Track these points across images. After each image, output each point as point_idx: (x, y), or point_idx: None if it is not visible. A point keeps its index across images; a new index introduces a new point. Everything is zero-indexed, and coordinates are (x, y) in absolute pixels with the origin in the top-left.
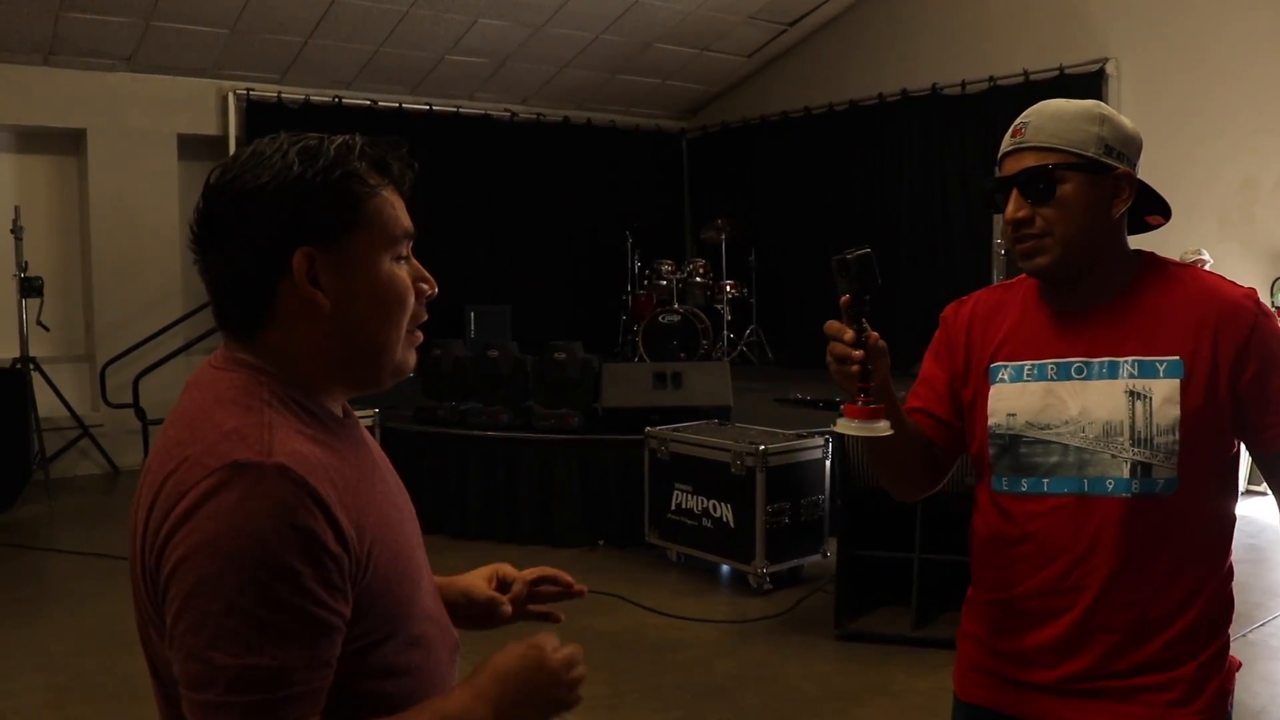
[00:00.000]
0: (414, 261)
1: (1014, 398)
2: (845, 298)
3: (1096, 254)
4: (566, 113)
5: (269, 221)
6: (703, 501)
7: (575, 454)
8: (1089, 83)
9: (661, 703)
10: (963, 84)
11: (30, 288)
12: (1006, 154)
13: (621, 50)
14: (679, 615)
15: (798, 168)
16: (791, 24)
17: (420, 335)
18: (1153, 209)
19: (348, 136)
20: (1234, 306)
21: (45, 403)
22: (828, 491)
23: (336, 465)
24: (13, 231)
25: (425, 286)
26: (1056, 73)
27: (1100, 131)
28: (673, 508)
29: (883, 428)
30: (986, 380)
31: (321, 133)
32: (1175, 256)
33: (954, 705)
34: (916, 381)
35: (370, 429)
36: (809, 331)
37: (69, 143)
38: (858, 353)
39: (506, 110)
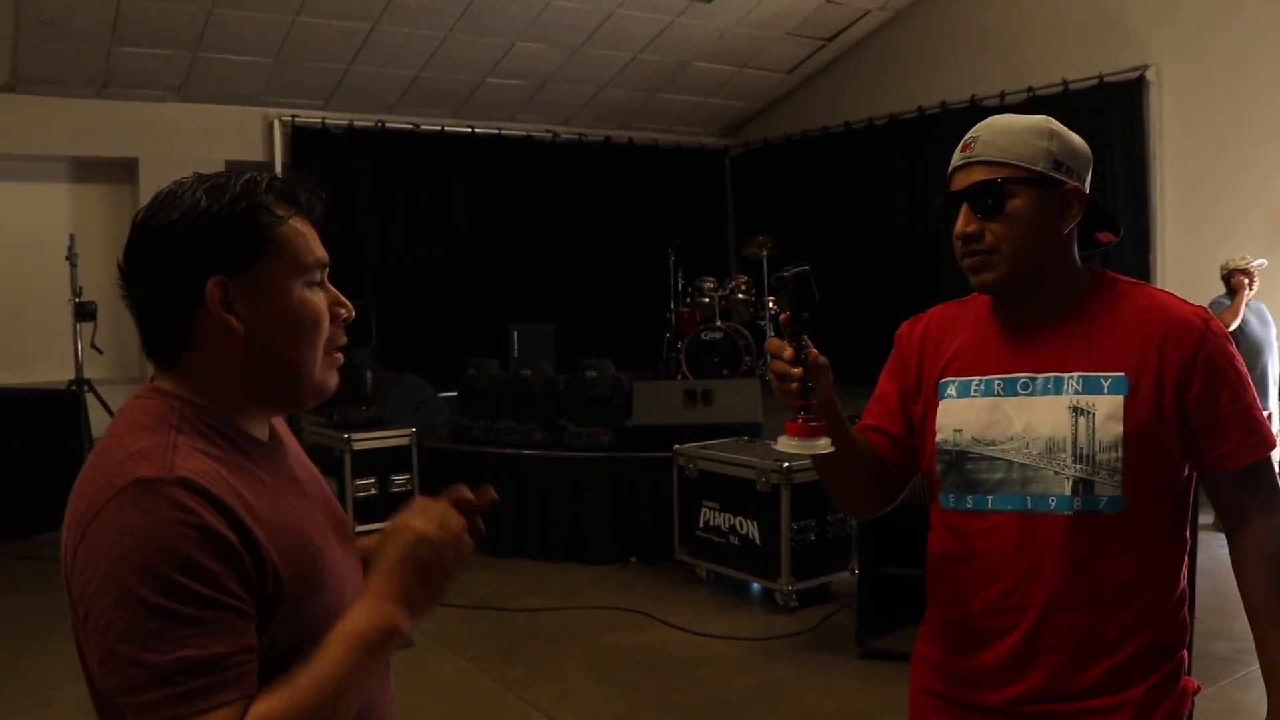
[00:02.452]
0: (330, 287)
1: (961, 413)
2: (784, 315)
3: (1045, 269)
4: (608, 132)
5: (182, 254)
6: (730, 518)
7: (606, 471)
8: (1129, 91)
9: (676, 718)
10: (1001, 95)
11: (84, 312)
12: (956, 169)
13: (660, 69)
14: (703, 632)
15: (839, 182)
16: (830, 39)
17: (340, 357)
18: (1103, 225)
19: (256, 172)
20: (1181, 323)
21: (99, 424)
22: None
23: (242, 481)
24: (68, 258)
25: (342, 310)
26: (1096, 81)
27: (1049, 146)
28: (701, 525)
29: (823, 445)
30: (936, 396)
31: (362, 159)
32: (1221, 267)
33: None
34: (871, 399)
35: (407, 447)
36: (852, 347)
37: (122, 171)
38: (797, 370)
39: (548, 131)
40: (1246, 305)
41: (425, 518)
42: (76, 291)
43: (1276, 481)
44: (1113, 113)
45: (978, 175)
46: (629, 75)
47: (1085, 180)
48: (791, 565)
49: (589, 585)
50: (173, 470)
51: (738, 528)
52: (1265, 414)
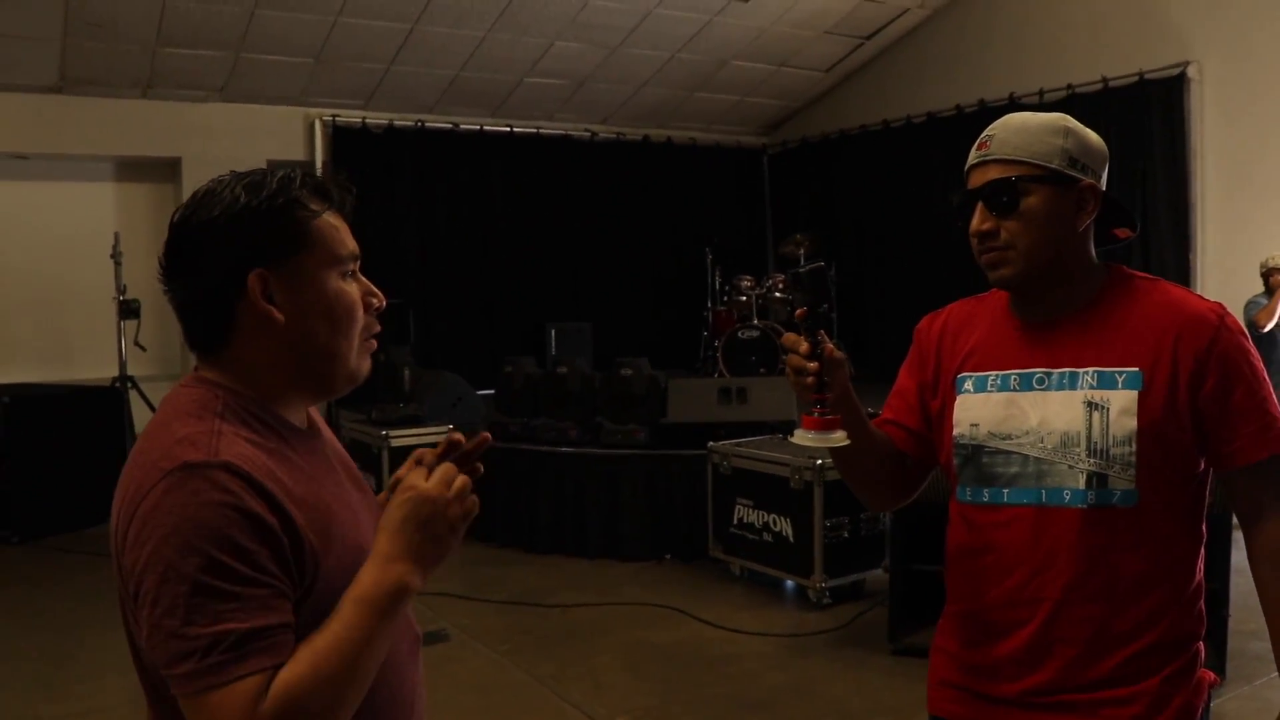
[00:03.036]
0: (362, 278)
1: (978, 408)
2: (800, 310)
3: (1061, 266)
4: (646, 131)
5: (224, 249)
6: (763, 516)
7: (641, 468)
8: (1170, 88)
9: (708, 713)
10: (1040, 92)
11: (128, 310)
12: (972, 167)
13: (698, 68)
14: (735, 629)
15: (877, 181)
16: (868, 37)
17: (374, 344)
18: (1119, 221)
19: (291, 169)
20: (1196, 319)
21: (142, 420)
22: None
23: (282, 468)
24: (112, 257)
25: (374, 300)
26: (1136, 78)
27: (1064, 144)
28: (735, 522)
29: (838, 438)
30: (954, 391)
31: (402, 158)
32: (1261, 264)
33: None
34: (890, 393)
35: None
36: (891, 345)
37: (165, 171)
38: (812, 364)
39: (586, 130)
40: None
41: (431, 480)
42: (121, 290)
43: None
44: (1153, 110)
45: (993, 173)
46: (667, 74)
47: (1101, 177)
48: (824, 562)
49: (623, 582)
50: (217, 455)
51: (771, 525)
52: None
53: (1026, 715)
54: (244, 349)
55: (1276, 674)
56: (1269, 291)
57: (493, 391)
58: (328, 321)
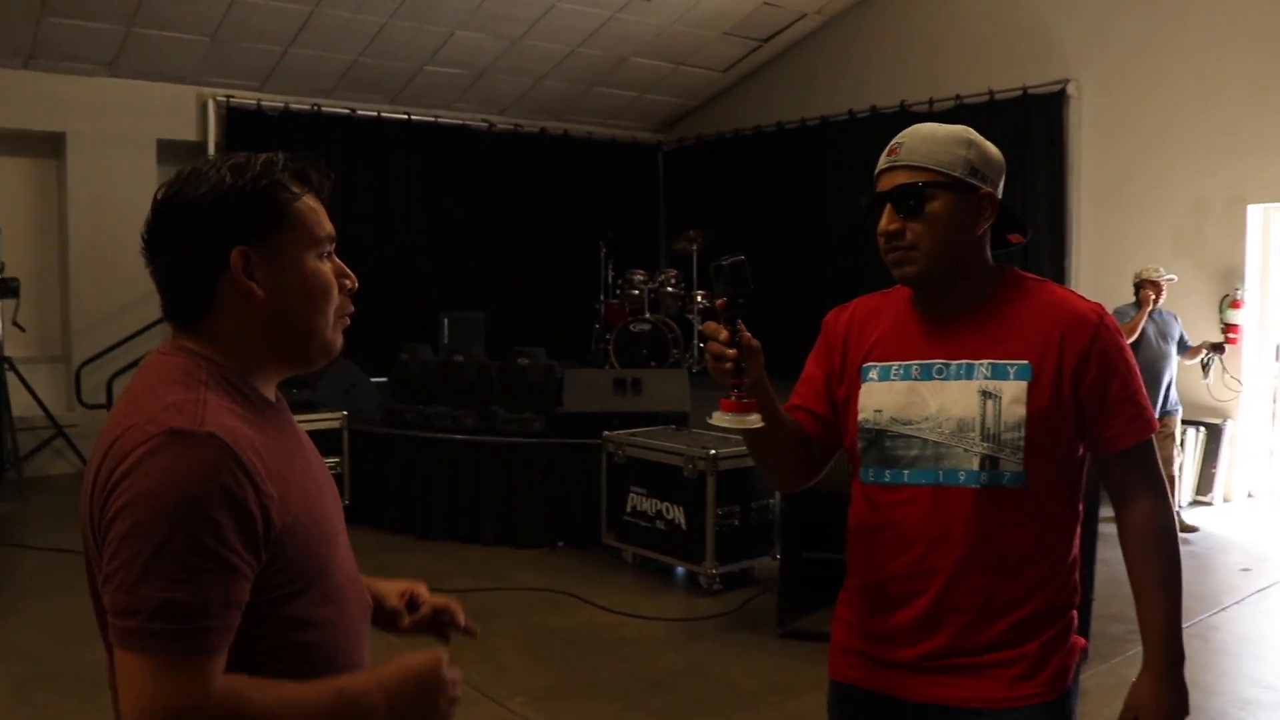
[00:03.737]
0: (336, 259)
1: (881, 395)
2: (721, 301)
3: (960, 266)
4: (544, 124)
5: (209, 226)
6: (656, 504)
7: (536, 457)
8: (1051, 103)
9: (605, 694)
10: (930, 101)
11: (6, 289)
12: (882, 171)
13: (598, 64)
14: (630, 613)
15: (770, 181)
16: (765, 40)
17: (348, 320)
18: (1013, 228)
19: (273, 153)
20: (1079, 318)
21: (20, 402)
22: (778, 496)
23: (261, 440)
24: None
25: (347, 281)
26: (1020, 92)
27: (968, 155)
28: (628, 510)
29: (753, 420)
30: (859, 379)
31: (297, 142)
32: (1135, 275)
33: (829, 686)
34: (798, 381)
35: (338, 430)
36: (779, 342)
37: (48, 146)
38: (731, 351)
39: (484, 121)
40: (1152, 316)
41: (451, 670)
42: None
43: (1157, 461)
44: (1035, 123)
45: (902, 178)
46: (567, 68)
47: (999, 186)
48: (716, 549)
49: (518, 568)
50: (203, 425)
51: (664, 513)
52: (1167, 414)
53: (921, 678)
54: (224, 322)
55: (1134, 651)
56: (1138, 303)
57: (386, 379)
58: (305, 298)
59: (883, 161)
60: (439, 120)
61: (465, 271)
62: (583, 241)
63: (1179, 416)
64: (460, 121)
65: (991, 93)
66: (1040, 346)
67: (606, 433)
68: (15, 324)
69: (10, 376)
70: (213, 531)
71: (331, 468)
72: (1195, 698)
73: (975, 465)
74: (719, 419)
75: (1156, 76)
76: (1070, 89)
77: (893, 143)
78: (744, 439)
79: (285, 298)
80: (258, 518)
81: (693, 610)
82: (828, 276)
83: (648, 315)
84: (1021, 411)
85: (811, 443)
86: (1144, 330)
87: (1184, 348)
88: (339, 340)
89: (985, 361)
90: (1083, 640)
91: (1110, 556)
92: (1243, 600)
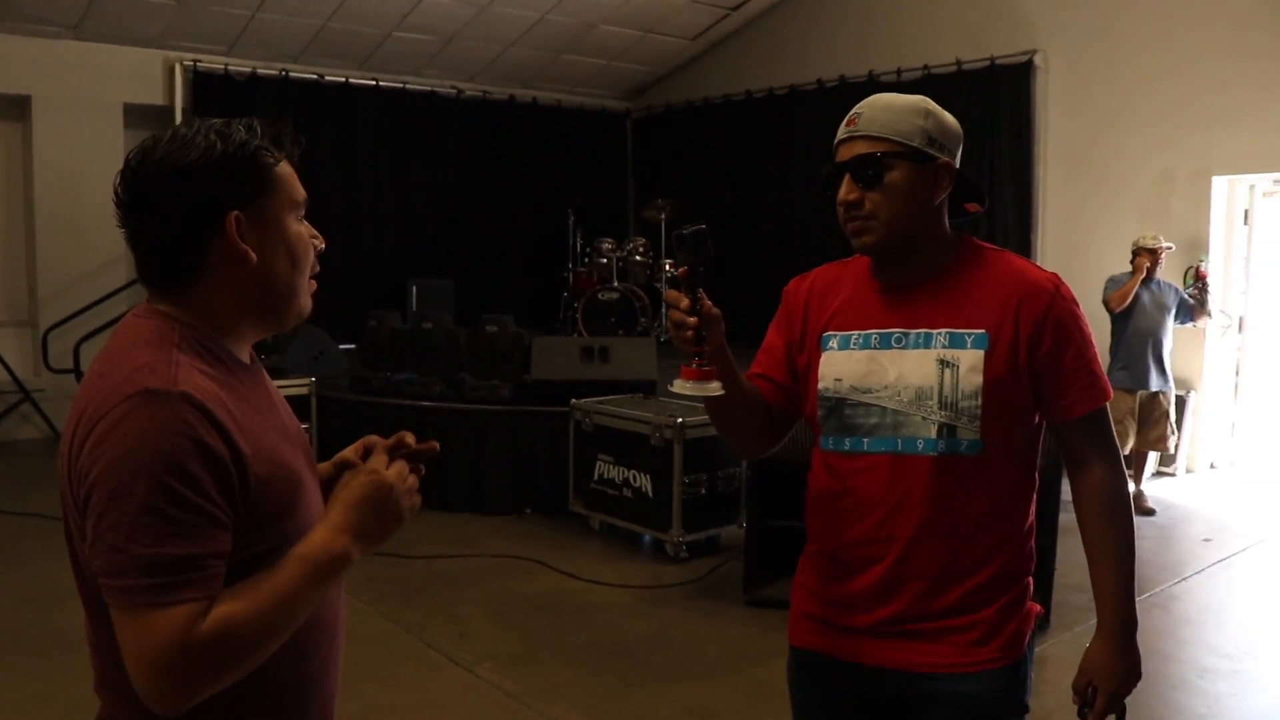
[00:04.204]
0: (306, 222)
1: (841, 364)
2: (682, 269)
3: (918, 235)
4: (512, 91)
5: (201, 191)
6: (623, 472)
7: (504, 424)
8: (1018, 74)
9: (572, 660)
10: (898, 71)
11: None
12: (841, 141)
13: (567, 30)
14: (596, 580)
15: (738, 149)
16: (735, 9)
17: (315, 284)
18: (971, 197)
19: (248, 118)
20: (1035, 287)
21: None
22: (744, 464)
23: (232, 400)
24: None
25: (317, 242)
26: (987, 63)
27: (925, 125)
28: (595, 478)
29: (714, 388)
30: (819, 348)
31: (264, 107)
32: (1132, 243)
33: (789, 652)
34: (760, 350)
35: (306, 396)
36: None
37: (13, 109)
38: (692, 319)
39: (453, 87)
40: (1147, 285)
41: (391, 469)
42: None
43: (1111, 428)
44: (1001, 93)
45: (860, 148)
46: (535, 35)
47: (956, 156)
48: (682, 517)
49: (486, 535)
50: (176, 385)
51: (631, 481)
52: (1160, 393)
53: (879, 643)
54: (209, 285)
55: (1094, 620)
56: (1134, 272)
57: (354, 346)
58: (289, 259)
59: (841, 132)
60: (407, 87)
61: (433, 239)
62: (551, 209)
63: (1172, 394)
64: (428, 88)
65: (959, 63)
66: (997, 316)
67: (574, 400)
68: None
69: None
70: (192, 486)
71: None
72: (1155, 664)
73: (933, 433)
74: (680, 386)
75: (1123, 48)
76: (1037, 59)
77: (851, 113)
78: (705, 406)
79: (273, 260)
80: (233, 472)
81: (659, 578)
82: (794, 245)
83: (616, 284)
84: (978, 380)
85: (772, 410)
86: (1138, 298)
87: (1187, 316)
88: (309, 302)
89: (943, 330)
90: (1038, 607)
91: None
92: (1204, 570)
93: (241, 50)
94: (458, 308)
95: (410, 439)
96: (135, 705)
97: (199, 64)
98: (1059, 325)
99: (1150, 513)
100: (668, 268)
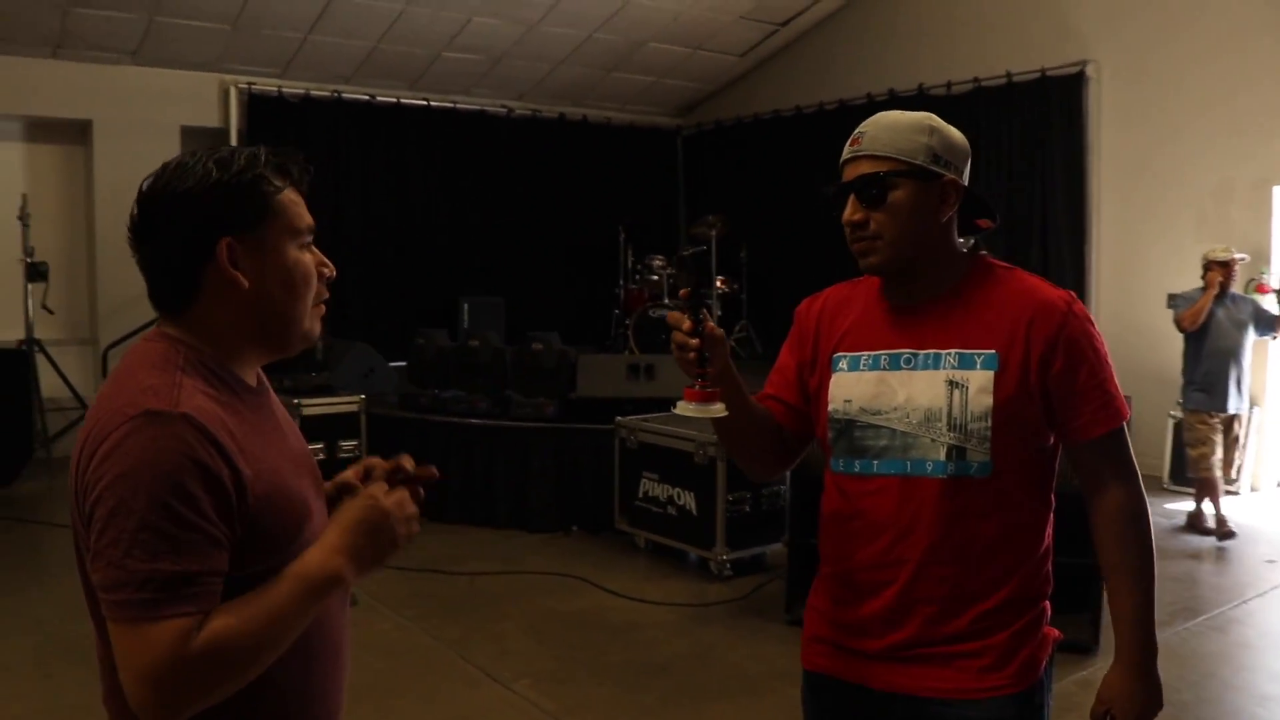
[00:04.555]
0: (315, 250)
1: (851, 385)
2: (684, 291)
3: (925, 254)
4: (562, 109)
5: (195, 218)
6: (668, 489)
7: (550, 441)
8: (1070, 85)
9: (609, 678)
10: (948, 84)
11: (35, 272)
12: (846, 161)
13: (615, 49)
14: (639, 598)
15: (788, 165)
16: (782, 24)
17: (324, 309)
18: (981, 213)
19: (255, 147)
20: (1047, 306)
21: (49, 384)
22: (788, 482)
23: (234, 421)
24: (20, 218)
25: (325, 270)
26: (1038, 74)
27: (929, 142)
28: (640, 495)
29: (717, 410)
30: (830, 369)
31: (318, 128)
32: (1202, 257)
33: (802, 675)
34: (772, 370)
35: (355, 413)
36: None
37: (76, 133)
38: (694, 341)
39: (503, 106)
40: (1221, 301)
41: (390, 496)
42: (28, 252)
43: (1129, 449)
44: (1053, 105)
45: (864, 168)
46: (584, 53)
47: (963, 172)
48: (726, 535)
49: (530, 552)
50: (178, 406)
51: (675, 498)
52: (1237, 415)
53: (890, 667)
54: (208, 309)
55: (1123, 633)
56: (1205, 287)
57: (405, 363)
58: (286, 287)
59: (846, 151)
60: (458, 106)
61: (485, 257)
62: (602, 227)
63: (1246, 416)
64: (479, 107)
65: (1009, 75)
66: (1007, 335)
67: (619, 418)
68: (45, 307)
69: (40, 358)
70: (190, 505)
71: (349, 451)
72: (1213, 690)
73: (942, 455)
74: (682, 408)
75: (1179, 56)
76: (1089, 70)
77: (855, 132)
78: (713, 427)
79: (268, 286)
80: (231, 492)
81: (702, 596)
82: (844, 261)
83: (666, 300)
84: (988, 401)
85: (783, 431)
86: (1213, 315)
87: (1267, 329)
88: (317, 328)
89: (952, 351)
90: (1055, 632)
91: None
92: (1266, 593)
93: (295, 72)
94: (509, 325)
95: (408, 463)
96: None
97: (253, 87)
98: (1072, 344)
99: (1231, 535)
100: (719, 284)
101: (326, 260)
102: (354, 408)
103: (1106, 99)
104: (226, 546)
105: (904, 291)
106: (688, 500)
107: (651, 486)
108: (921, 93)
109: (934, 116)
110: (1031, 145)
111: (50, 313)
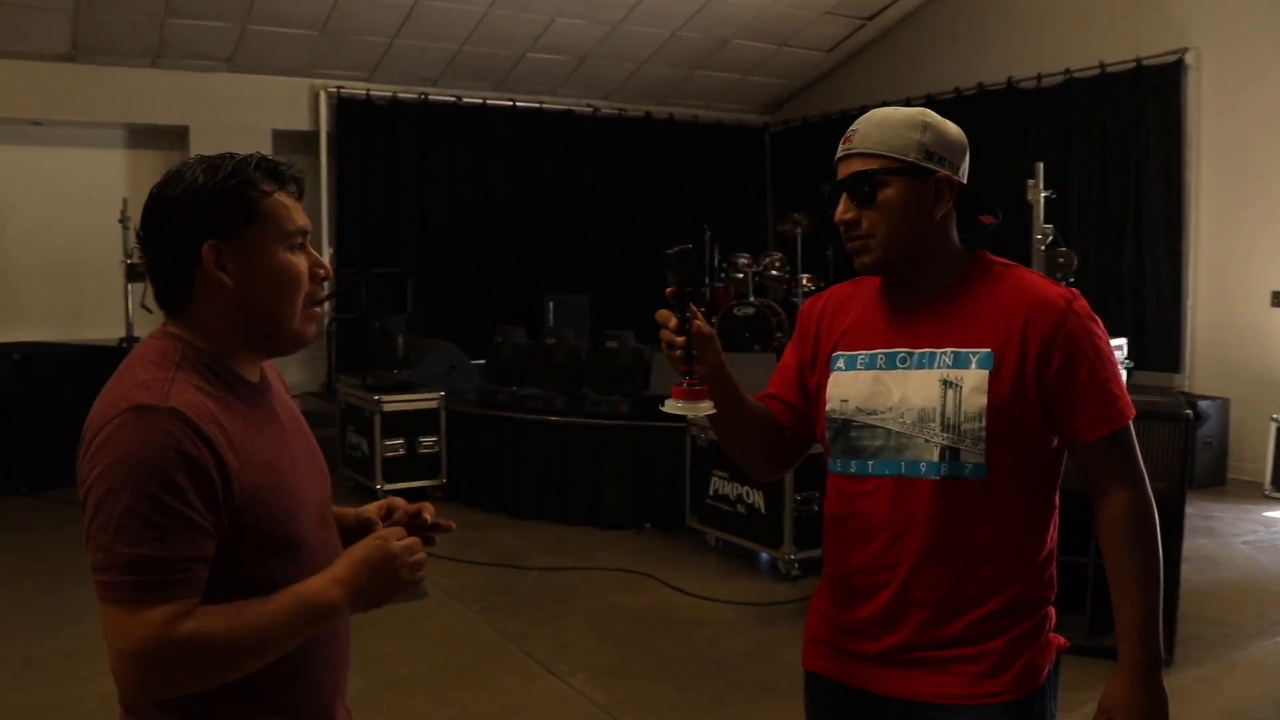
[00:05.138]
0: (310, 250)
1: (847, 385)
2: (670, 289)
3: (919, 253)
4: (648, 108)
5: (183, 222)
6: (737, 488)
7: (624, 439)
8: (1167, 74)
9: (665, 674)
10: (1038, 77)
11: (135, 273)
12: (839, 159)
13: (700, 46)
14: (705, 596)
15: None
16: (869, 19)
17: (319, 310)
18: (984, 210)
19: (249, 154)
20: (1045, 303)
21: None
22: None
23: (226, 415)
24: (121, 222)
25: (320, 271)
26: (1133, 64)
27: (921, 138)
28: (711, 493)
29: (705, 408)
30: (829, 368)
31: (405, 130)
32: None
33: (803, 676)
34: (775, 369)
35: (435, 410)
36: None
37: (174, 139)
38: (680, 338)
39: (588, 105)
40: None
41: (401, 541)
42: (128, 253)
43: (1134, 451)
44: (1149, 96)
45: (855, 166)
46: (668, 52)
47: (960, 168)
48: (794, 534)
49: (602, 548)
50: (166, 400)
51: (744, 497)
52: None
53: (887, 670)
54: (201, 309)
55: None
56: None
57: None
58: (273, 288)
59: (840, 149)
60: (543, 106)
61: (570, 255)
62: (688, 225)
63: None
64: (564, 107)
65: (1103, 65)
66: (1004, 334)
67: (689, 416)
68: (144, 306)
69: None
70: (175, 493)
71: (428, 447)
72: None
73: (935, 456)
74: (670, 406)
75: None
76: (1188, 58)
77: (849, 130)
78: (710, 425)
79: (254, 288)
80: (216, 481)
81: (770, 595)
82: None
83: (752, 299)
84: (982, 401)
85: (784, 431)
86: None
87: None
88: (310, 329)
89: (947, 350)
90: (1061, 640)
91: (1198, 553)
92: None
93: (382, 75)
94: (594, 322)
95: (429, 513)
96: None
97: (342, 90)
98: (1070, 343)
99: None
100: (805, 282)
101: (322, 261)
102: (433, 404)
103: (1206, 88)
104: (213, 534)
105: (900, 290)
106: (756, 499)
107: (721, 484)
108: (1011, 86)
109: (929, 112)
110: (1125, 138)
111: (150, 312)
